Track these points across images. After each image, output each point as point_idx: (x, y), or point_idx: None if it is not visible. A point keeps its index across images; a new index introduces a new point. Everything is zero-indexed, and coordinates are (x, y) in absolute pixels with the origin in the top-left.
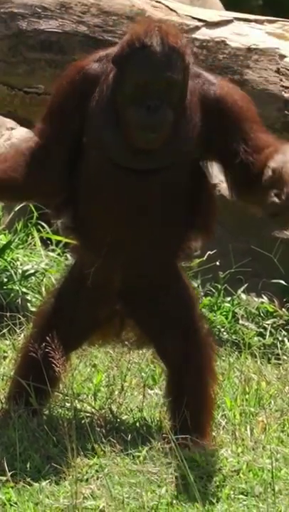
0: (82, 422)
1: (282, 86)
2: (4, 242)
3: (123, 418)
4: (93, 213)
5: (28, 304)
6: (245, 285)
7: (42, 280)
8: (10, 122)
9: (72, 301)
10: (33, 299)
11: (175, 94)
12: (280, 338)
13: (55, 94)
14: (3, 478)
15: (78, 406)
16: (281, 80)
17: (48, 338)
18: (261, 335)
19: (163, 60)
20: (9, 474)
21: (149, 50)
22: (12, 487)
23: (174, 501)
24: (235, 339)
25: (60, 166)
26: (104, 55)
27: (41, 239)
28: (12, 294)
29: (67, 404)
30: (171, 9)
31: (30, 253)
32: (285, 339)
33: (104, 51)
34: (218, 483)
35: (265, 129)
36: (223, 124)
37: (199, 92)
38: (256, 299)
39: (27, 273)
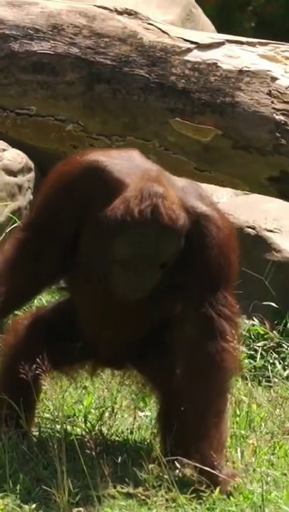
0: (73, 444)
1: (274, 108)
2: None
3: (113, 440)
4: (82, 299)
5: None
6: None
7: (33, 302)
8: (1, 143)
9: (66, 330)
10: None
11: (166, 260)
12: (270, 361)
13: (41, 205)
14: None
15: (69, 428)
16: (272, 102)
17: (37, 356)
18: (252, 357)
19: (156, 240)
20: None
21: (142, 229)
22: (1, 509)
23: None
24: None
25: (51, 269)
26: (89, 163)
27: None
28: None
29: (57, 426)
30: (163, 31)
31: None
32: (276, 361)
33: (87, 156)
34: (208, 505)
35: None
36: (204, 267)
37: (189, 223)
38: (247, 322)
39: None
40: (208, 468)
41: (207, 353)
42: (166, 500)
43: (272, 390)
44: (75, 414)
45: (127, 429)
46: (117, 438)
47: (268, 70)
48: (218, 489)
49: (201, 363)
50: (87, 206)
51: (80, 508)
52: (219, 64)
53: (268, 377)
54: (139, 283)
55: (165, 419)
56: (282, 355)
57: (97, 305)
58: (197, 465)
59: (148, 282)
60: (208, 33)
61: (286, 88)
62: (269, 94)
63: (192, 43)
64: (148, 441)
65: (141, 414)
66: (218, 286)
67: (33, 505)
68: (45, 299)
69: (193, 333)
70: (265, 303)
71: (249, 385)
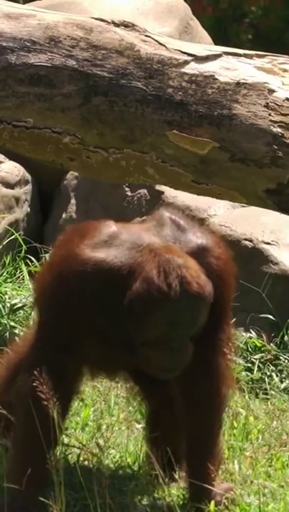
0: (70, 456)
1: (271, 121)
2: None
3: (111, 452)
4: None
5: (16, 338)
6: (233, 320)
7: (30, 314)
8: None
9: None
10: (21, 333)
11: (198, 330)
12: (268, 373)
13: (50, 300)
14: None
15: (65, 440)
16: (270, 115)
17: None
18: (249, 370)
19: (189, 312)
20: None
21: (174, 304)
22: None
23: None
24: None
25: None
26: (98, 243)
27: (29, 273)
28: (0, 328)
29: None
30: (161, 43)
31: (19, 287)
32: (273, 374)
33: (93, 235)
34: None
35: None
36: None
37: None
38: (244, 334)
39: (15, 307)
40: (204, 484)
41: (205, 389)
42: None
43: (269, 403)
44: (72, 427)
45: (124, 441)
46: (113, 450)
47: (266, 83)
48: (212, 503)
49: (199, 397)
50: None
51: None
52: (216, 76)
53: (265, 389)
54: (175, 361)
55: (156, 431)
56: (279, 368)
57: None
58: (192, 481)
59: (184, 359)
60: (205, 45)
61: (283, 100)
62: (266, 106)
63: (189, 55)
64: (145, 453)
65: (138, 426)
66: (221, 317)
67: None
68: None
69: (191, 369)
70: (262, 315)
71: (246, 397)
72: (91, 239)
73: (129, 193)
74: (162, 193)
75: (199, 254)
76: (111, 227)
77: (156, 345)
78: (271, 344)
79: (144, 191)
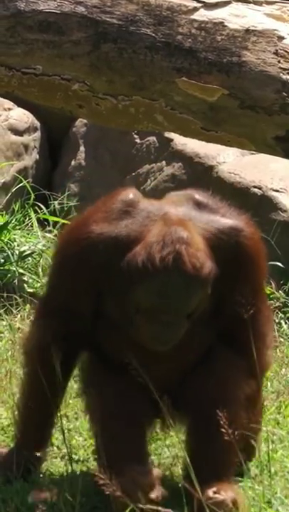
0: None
1: (281, 68)
2: (1, 223)
3: None
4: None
5: (25, 285)
6: None
7: (39, 261)
8: (7, 103)
9: None
10: (30, 280)
11: (193, 310)
12: (276, 321)
13: (58, 268)
14: None
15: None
16: (279, 62)
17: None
18: None
19: (179, 289)
20: None
21: (164, 278)
22: None
23: None
24: None
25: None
26: (105, 215)
27: (38, 220)
28: (9, 275)
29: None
30: None
31: (28, 234)
32: (282, 321)
33: (100, 209)
34: None
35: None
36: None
37: (215, 239)
38: None
39: (24, 254)
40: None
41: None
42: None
43: (278, 350)
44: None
45: None
46: None
47: (275, 30)
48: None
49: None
50: (107, 268)
51: None
52: (226, 23)
53: (274, 336)
54: (165, 334)
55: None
56: (288, 315)
57: (131, 353)
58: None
59: (175, 333)
60: None
61: None
62: (276, 53)
63: (199, 1)
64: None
65: None
66: (253, 298)
67: None
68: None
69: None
70: (271, 263)
71: None
72: (106, 208)
73: (138, 141)
74: (171, 140)
75: (229, 234)
76: (130, 195)
77: (147, 315)
78: (280, 291)
79: (152, 138)
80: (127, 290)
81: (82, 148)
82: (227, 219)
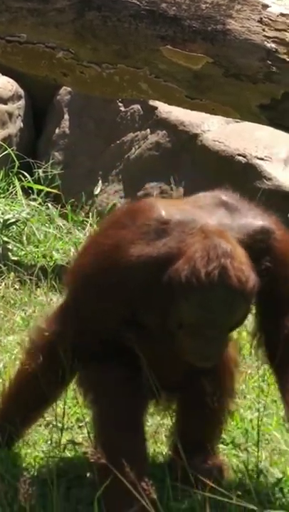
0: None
1: (265, 36)
2: None
3: None
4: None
5: (9, 253)
6: None
7: (23, 229)
8: None
9: None
10: (14, 248)
11: (236, 324)
12: None
13: (92, 289)
14: None
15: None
16: (264, 30)
17: None
18: None
19: (224, 304)
20: None
21: (209, 293)
22: None
23: None
24: None
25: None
26: (141, 235)
27: (22, 188)
28: None
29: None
30: None
31: (12, 202)
32: None
33: (132, 229)
34: None
35: None
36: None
37: (248, 243)
38: None
39: (8, 222)
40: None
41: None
42: None
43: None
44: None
45: None
46: None
47: None
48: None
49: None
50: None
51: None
52: None
53: None
54: (209, 350)
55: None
56: None
57: (162, 362)
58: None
59: (218, 348)
60: None
61: (277, 16)
62: (260, 21)
63: None
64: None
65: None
66: (285, 302)
67: None
68: (34, 227)
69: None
70: None
71: None
72: (140, 224)
73: (122, 109)
74: (156, 108)
75: (259, 236)
76: (160, 210)
77: (190, 330)
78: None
79: (137, 107)
80: (168, 306)
81: (66, 117)
82: (258, 221)
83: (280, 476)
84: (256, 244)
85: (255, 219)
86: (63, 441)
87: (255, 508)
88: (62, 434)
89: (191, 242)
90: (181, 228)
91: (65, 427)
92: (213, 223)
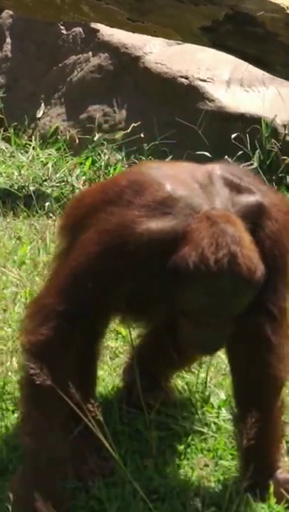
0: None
1: None
2: None
3: None
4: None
5: None
6: (170, 157)
7: None
8: None
9: None
10: None
11: (241, 309)
12: None
13: (95, 267)
14: None
15: (4, 278)
16: None
17: None
18: None
19: (231, 293)
20: None
21: (217, 281)
22: None
23: None
24: None
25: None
26: (153, 208)
27: None
28: None
29: None
30: None
31: None
32: None
33: (148, 198)
34: None
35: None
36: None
37: (249, 220)
38: None
39: None
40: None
41: (260, 366)
42: None
43: None
44: (8, 266)
45: None
46: None
47: None
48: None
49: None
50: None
51: None
52: None
53: None
54: (211, 339)
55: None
56: None
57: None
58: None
59: (221, 338)
60: None
61: None
62: None
63: None
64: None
65: None
66: (276, 285)
67: None
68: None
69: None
70: (198, 152)
71: None
72: (145, 202)
73: (64, 32)
74: (97, 31)
75: (254, 215)
76: (166, 186)
77: (193, 316)
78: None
79: (79, 29)
80: (172, 292)
81: (8, 40)
82: (255, 198)
83: (224, 397)
84: (250, 221)
85: (252, 195)
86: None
87: (201, 429)
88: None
89: (197, 227)
90: (187, 209)
91: (11, 349)
92: (217, 206)
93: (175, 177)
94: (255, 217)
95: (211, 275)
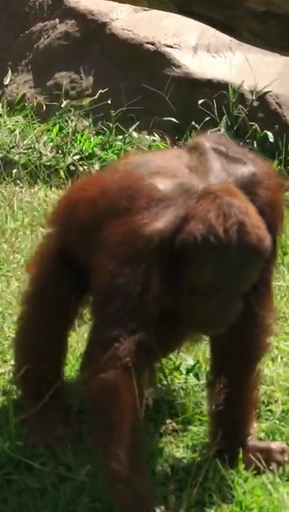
0: None
1: None
2: None
3: (16, 257)
4: None
5: None
6: (137, 123)
7: None
8: None
9: None
10: None
11: (249, 283)
12: None
13: (113, 281)
14: None
15: None
16: None
17: None
18: None
19: (241, 264)
20: None
21: (227, 252)
22: None
23: None
24: None
25: None
26: (155, 207)
27: None
28: None
29: None
30: None
31: None
32: None
33: (146, 198)
34: None
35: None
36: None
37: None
38: (148, 137)
39: None
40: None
41: (243, 336)
42: None
43: None
44: None
45: (29, 245)
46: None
47: None
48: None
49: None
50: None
51: None
52: None
53: None
54: (222, 314)
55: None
56: None
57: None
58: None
59: (231, 313)
60: None
61: None
62: None
63: None
64: None
65: (42, 230)
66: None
67: None
68: None
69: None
70: (165, 118)
71: None
72: (143, 205)
73: None
74: None
75: (249, 184)
76: (157, 185)
77: (203, 293)
78: (174, 147)
79: None
80: (179, 274)
81: None
82: (247, 168)
83: (192, 363)
84: (247, 191)
85: (245, 166)
86: None
87: (168, 395)
88: None
89: (200, 203)
90: (185, 195)
91: None
92: (213, 181)
93: (164, 168)
94: (250, 187)
95: (220, 246)
